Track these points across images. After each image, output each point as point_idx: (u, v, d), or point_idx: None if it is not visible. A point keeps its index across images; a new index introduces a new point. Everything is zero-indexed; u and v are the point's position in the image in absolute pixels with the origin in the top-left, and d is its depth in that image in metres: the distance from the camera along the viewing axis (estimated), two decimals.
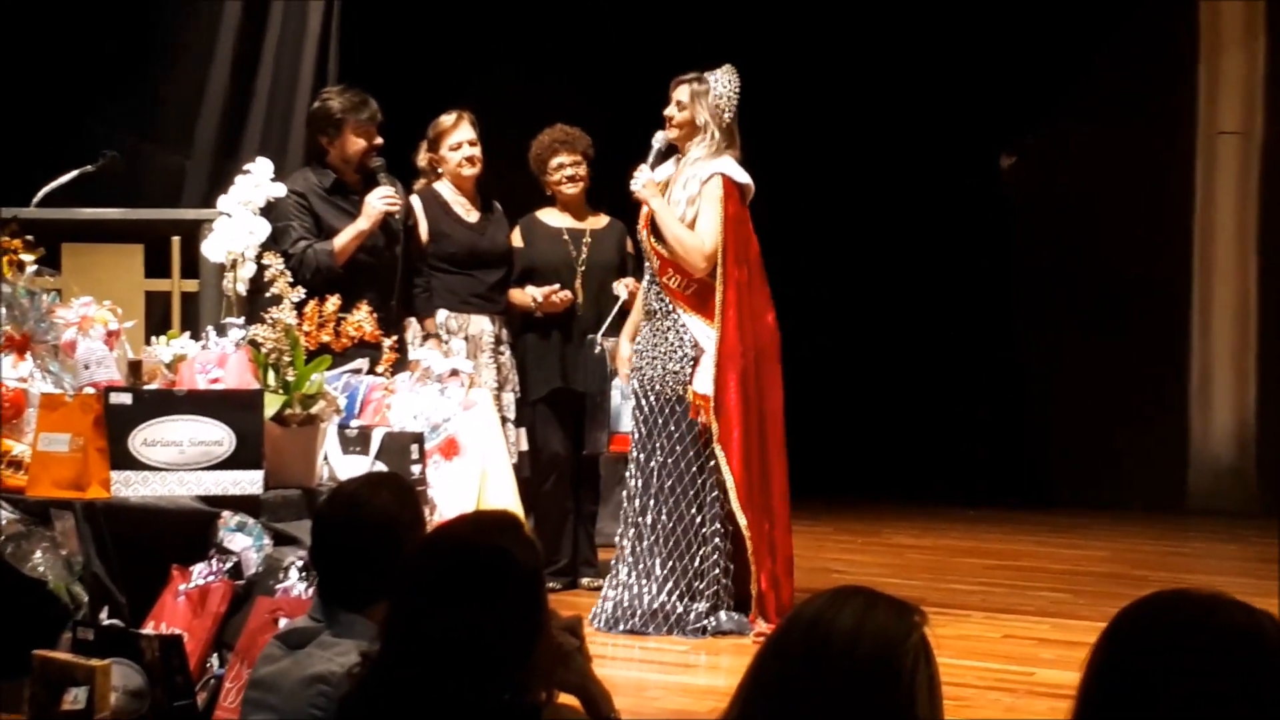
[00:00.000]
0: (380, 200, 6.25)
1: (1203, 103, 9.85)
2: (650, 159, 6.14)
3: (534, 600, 2.43)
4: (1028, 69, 9.92)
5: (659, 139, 6.14)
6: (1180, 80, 9.83)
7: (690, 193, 6.06)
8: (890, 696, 1.96)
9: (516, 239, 6.96)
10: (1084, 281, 10.10)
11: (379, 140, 6.35)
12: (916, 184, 10.11)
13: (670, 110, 6.11)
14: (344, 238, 6.20)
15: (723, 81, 6.09)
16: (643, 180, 6.09)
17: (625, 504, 6.17)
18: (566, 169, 6.92)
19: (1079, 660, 1.92)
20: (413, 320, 6.65)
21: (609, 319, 6.65)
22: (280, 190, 5.50)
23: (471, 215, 6.85)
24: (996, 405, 10.10)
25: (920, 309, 10.26)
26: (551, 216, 7.02)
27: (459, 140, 6.78)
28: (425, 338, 6.55)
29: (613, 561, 6.22)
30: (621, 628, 5.99)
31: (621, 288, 6.74)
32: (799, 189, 9.66)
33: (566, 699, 2.53)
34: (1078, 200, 10.03)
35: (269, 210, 5.42)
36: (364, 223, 6.23)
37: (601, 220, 7.01)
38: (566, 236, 6.96)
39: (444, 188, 6.84)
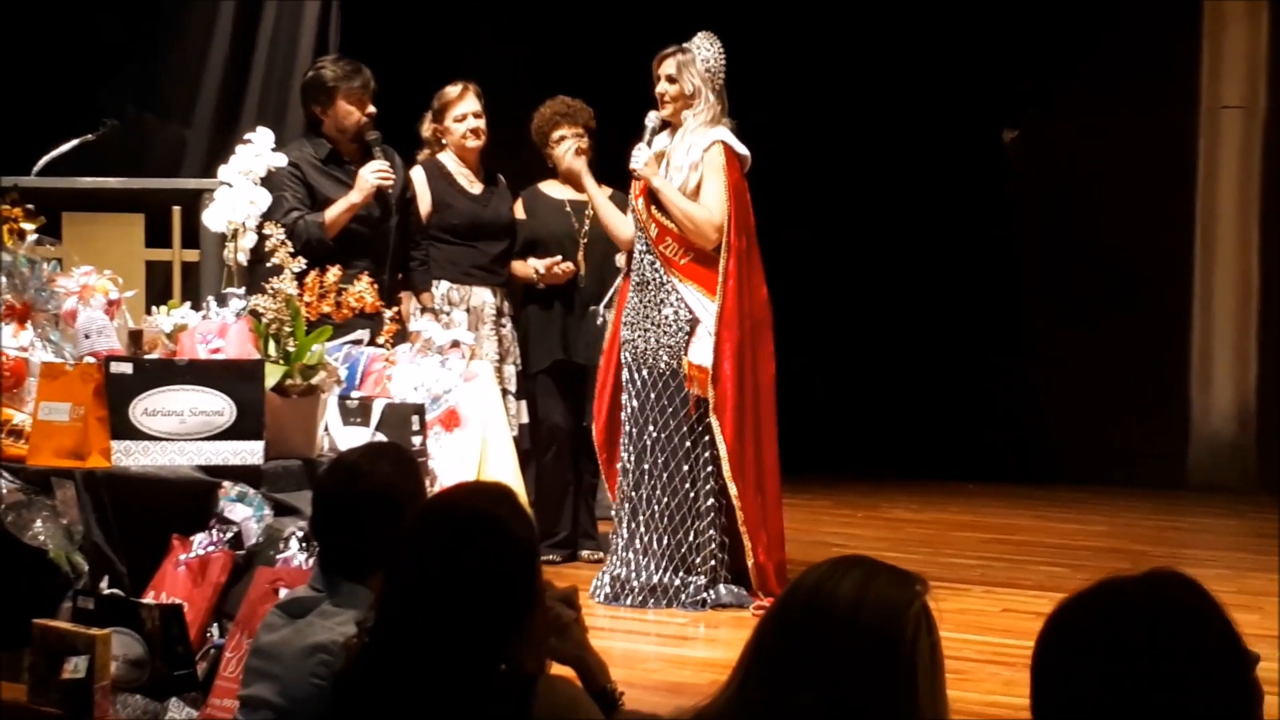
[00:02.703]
0: (373, 174, 6.18)
1: (1205, 76, 9.82)
2: (646, 137, 6.12)
3: (528, 571, 2.42)
4: (1030, 43, 9.89)
5: (652, 118, 6.13)
6: (1183, 54, 9.79)
7: (693, 158, 6.05)
8: (892, 665, 1.96)
9: (519, 211, 6.95)
10: (1086, 257, 10.07)
11: (372, 109, 6.25)
12: (919, 160, 10.08)
13: (662, 87, 6.08)
14: (335, 210, 6.14)
15: (705, 47, 6.07)
16: (643, 159, 6.07)
17: (620, 479, 6.16)
18: (568, 141, 6.90)
19: None
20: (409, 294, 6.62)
21: (611, 291, 6.63)
22: (281, 160, 5.47)
23: (475, 187, 6.84)
24: (997, 380, 10.07)
25: (921, 284, 10.23)
26: (554, 189, 7.01)
27: (464, 112, 6.76)
28: (422, 311, 6.53)
29: (610, 536, 6.23)
30: (620, 603, 6.01)
31: (624, 259, 6.73)
32: (801, 163, 9.64)
33: (562, 670, 2.53)
34: (1080, 175, 9.99)
35: (265, 180, 5.40)
36: (356, 196, 6.17)
37: (604, 192, 6.99)
38: (569, 209, 6.95)
39: (447, 159, 6.83)
